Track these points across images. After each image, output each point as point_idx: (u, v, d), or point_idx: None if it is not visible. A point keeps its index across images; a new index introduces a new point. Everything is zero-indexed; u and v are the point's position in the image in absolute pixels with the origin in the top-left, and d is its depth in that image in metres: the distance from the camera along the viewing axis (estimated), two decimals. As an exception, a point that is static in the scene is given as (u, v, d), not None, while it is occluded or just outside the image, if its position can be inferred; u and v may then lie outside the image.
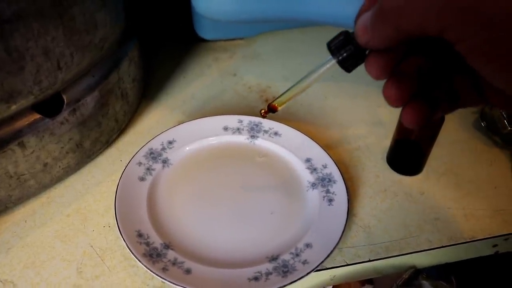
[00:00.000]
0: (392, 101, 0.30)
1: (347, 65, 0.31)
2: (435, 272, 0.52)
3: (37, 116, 0.46)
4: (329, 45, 0.32)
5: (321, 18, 0.55)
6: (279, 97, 0.36)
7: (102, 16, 0.49)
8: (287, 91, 0.36)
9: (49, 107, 0.47)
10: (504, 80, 0.23)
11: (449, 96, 0.30)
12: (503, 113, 0.58)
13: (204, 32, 0.74)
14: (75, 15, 0.44)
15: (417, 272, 0.50)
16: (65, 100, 0.48)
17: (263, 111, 0.38)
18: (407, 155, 0.56)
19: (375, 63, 0.29)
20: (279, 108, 0.37)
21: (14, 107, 0.43)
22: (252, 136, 0.57)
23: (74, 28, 0.45)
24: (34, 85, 0.43)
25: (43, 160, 0.48)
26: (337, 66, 0.32)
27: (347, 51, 0.31)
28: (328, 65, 0.33)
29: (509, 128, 0.57)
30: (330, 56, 0.32)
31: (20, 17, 0.38)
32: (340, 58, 0.31)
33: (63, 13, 0.43)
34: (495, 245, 0.51)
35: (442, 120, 0.50)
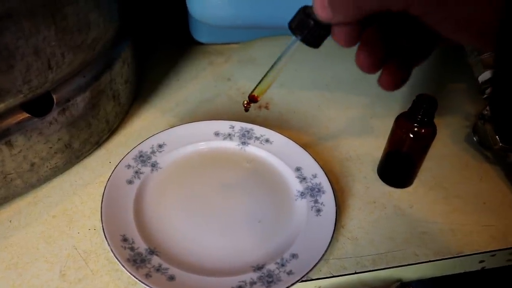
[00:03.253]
0: (365, 69, 0.31)
1: (312, 41, 0.31)
2: (421, 286, 0.52)
3: (26, 115, 0.46)
4: (290, 25, 0.31)
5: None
6: (257, 87, 0.37)
7: (95, 16, 0.48)
8: (263, 79, 0.37)
9: (39, 106, 0.47)
10: (461, 37, 0.27)
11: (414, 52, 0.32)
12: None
13: (200, 35, 0.73)
14: (67, 15, 0.44)
15: (403, 286, 0.50)
16: (55, 100, 0.48)
17: (245, 102, 0.39)
18: (398, 167, 0.56)
19: (341, 33, 0.30)
20: (259, 98, 0.38)
21: (2, 106, 0.42)
22: (243, 143, 0.57)
23: (67, 28, 0.44)
24: (24, 84, 0.42)
25: (31, 160, 0.48)
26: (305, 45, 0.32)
27: (308, 28, 0.30)
28: (294, 46, 0.33)
29: (501, 144, 0.57)
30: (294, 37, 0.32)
31: (10, 16, 0.38)
32: (303, 36, 0.31)
33: (56, 12, 0.42)
34: (482, 261, 0.51)
35: (434, 133, 0.50)
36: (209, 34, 0.73)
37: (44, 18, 0.41)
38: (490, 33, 0.25)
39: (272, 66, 0.36)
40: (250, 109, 0.58)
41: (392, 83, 0.31)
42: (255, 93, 0.38)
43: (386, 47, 0.31)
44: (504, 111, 0.28)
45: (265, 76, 0.37)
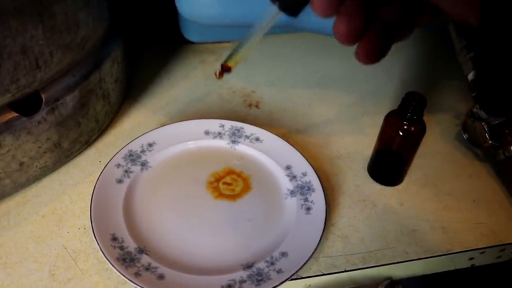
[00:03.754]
0: (343, 37, 0.29)
1: (290, 8, 0.30)
2: (411, 283, 0.52)
3: (14, 114, 0.46)
4: None
5: (305, 26, 0.54)
6: (230, 56, 0.34)
7: (84, 15, 0.48)
8: (237, 49, 0.34)
9: (27, 105, 0.46)
10: (443, 3, 0.26)
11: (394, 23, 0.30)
12: (485, 126, 0.58)
13: (191, 34, 0.73)
14: (56, 14, 0.43)
15: (393, 284, 0.50)
16: (44, 99, 0.47)
17: (217, 72, 0.36)
18: (388, 165, 0.56)
19: (320, 1, 0.28)
20: (233, 68, 0.35)
21: (-11, 105, 0.42)
22: (233, 141, 0.57)
23: (55, 26, 0.44)
24: (11, 83, 0.42)
25: (19, 160, 0.48)
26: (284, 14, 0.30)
27: None
28: (272, 14, 0.31)
29: (490, 142, 0.57)
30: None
31: (-3, 14, 0.38)
32: (280, 3, 0.29)
33: (43, 11, 0.42)
34: (471, 258, 0.51)
35: (423, 131, 0.50)
36: (199, 33, 0.73)
37: (32, 16, 0.41)
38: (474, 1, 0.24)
39: (248, 36, 0.33)
40: (241, 107, 0.58)
41: (368, 53, 0.29)
42: (229, 63, 0.34)
43: (366, 16, 0.29)
44: (488, 82, 0.28)
45: (240, 45, 0.34)
